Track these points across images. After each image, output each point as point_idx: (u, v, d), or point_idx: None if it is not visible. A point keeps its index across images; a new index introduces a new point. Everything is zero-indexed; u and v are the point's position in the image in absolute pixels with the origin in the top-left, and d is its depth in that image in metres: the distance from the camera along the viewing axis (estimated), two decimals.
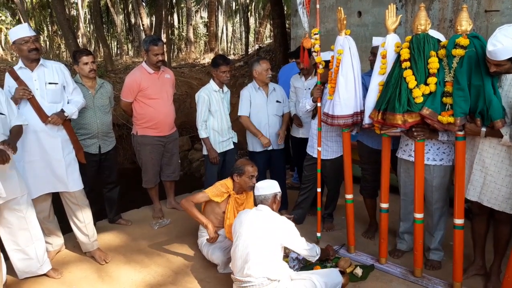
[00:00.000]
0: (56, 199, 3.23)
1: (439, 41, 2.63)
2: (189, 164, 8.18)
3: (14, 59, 13.76)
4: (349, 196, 3.26)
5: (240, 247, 2.55)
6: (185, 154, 8.20)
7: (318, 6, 3.26)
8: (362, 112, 3.04)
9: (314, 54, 3.31)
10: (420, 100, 2.55)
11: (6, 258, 2.87)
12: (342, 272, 2.74)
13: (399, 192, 3.19)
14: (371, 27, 5.23)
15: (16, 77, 2.96)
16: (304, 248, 2.64)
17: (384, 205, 3.02)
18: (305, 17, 3.32)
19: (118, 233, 3.78)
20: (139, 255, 3.40)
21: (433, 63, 2.54)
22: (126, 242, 3.63)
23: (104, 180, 3.88)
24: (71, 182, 3.11)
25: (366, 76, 3.22)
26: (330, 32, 5.76)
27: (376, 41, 3.15)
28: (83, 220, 3.21)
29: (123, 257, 3.36)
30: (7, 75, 3.01)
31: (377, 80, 2.85)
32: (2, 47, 16.28)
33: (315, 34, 3.23)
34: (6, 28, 18.44)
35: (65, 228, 3.39)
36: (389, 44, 2.77)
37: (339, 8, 3.05)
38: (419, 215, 2.83)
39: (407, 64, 2.61)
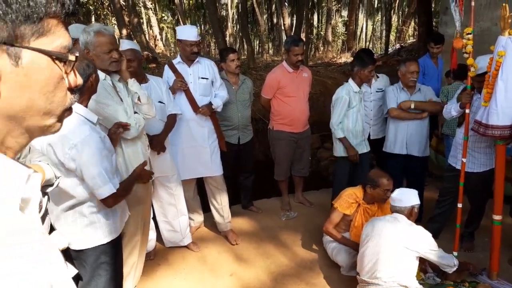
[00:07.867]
0: (201, 181, 3.62)
1: None
2: (317, 162, 8.22)
3: (172, 54, 15.65)
4: (497, 217, 2.91)
5: (370, 251, 2.53)
6: (314, 152, 8.25)
7: (473, 3, 2.94)
8: None
9: (465, 55, 3.02)
10: None
11: (157, 227, 3.35)
12: None
13: None
14: None
15: (174, 70, 3.37)
16: (441, 256, 2.51)
17: None
18: (458, 15, 3.04)
19: (249, 219, 4.06)
20: (266, 243, 3.60)
21: None
22: (255, 228, 3.87)
23: (241, 169, 4.18)
24: (214, 167, 3.45)
25: None
26: (485, 32, 5.15)
27: None
28: (220, 203, 3.53)
29: (252, 242, 3.60)
30: (166, 67, 3.45)
31: None
32: (163, 43, 18.64)
33: (467, 34, 2.94)
34: (167, 27, 21.07)
35: (205, 208, 3.78)
36: None
37: (503, 4, 2.70)
38: None
39: None
